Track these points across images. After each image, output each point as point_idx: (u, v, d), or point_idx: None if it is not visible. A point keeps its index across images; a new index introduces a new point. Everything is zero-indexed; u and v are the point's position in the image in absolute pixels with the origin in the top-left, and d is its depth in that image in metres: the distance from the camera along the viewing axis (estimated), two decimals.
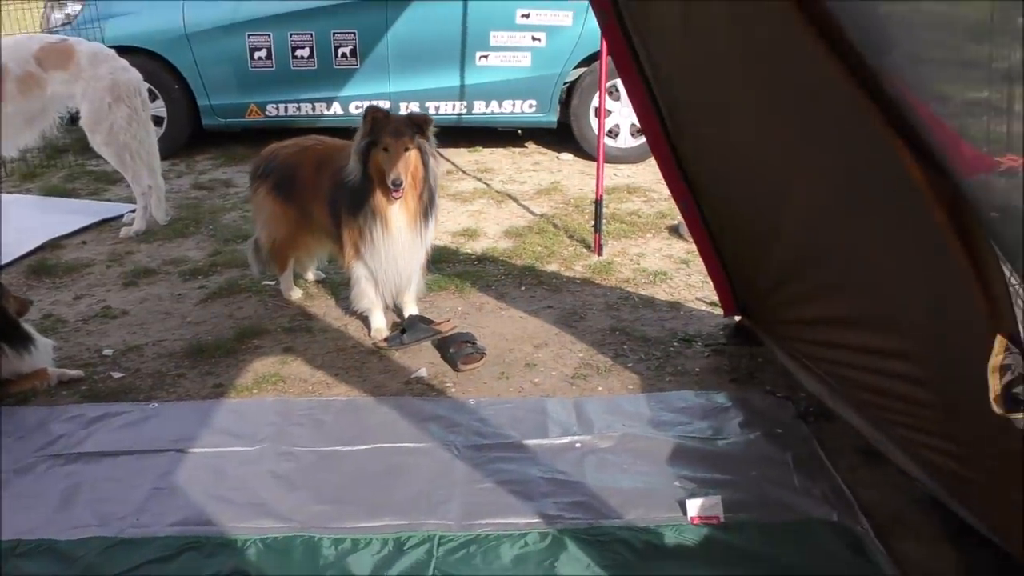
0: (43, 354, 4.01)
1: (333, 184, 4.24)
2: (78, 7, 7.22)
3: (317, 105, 7.30)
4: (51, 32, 7.21)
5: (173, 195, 6.53)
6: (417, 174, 4.03)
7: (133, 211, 5.96)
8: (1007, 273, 2.22)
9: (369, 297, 4.31)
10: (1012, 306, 2.24)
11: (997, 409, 2.19)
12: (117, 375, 4.03)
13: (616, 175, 6.79)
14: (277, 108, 7.33)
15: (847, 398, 3.36)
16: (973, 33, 2.09)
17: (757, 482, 3.15)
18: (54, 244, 5.68)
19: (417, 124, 3.99)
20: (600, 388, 3.85)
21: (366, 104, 7.17)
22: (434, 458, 3.36)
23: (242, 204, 6.37)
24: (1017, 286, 2.25)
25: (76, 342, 4.36)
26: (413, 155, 3.98)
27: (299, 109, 7.32)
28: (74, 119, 5.85)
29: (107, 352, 4.23)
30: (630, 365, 4.02)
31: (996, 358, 2.23)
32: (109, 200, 6.54)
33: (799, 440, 3.40)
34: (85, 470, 3.35)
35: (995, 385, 2.21)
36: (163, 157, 7.08)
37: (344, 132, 7.37)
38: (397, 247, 4.11)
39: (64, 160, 7.51)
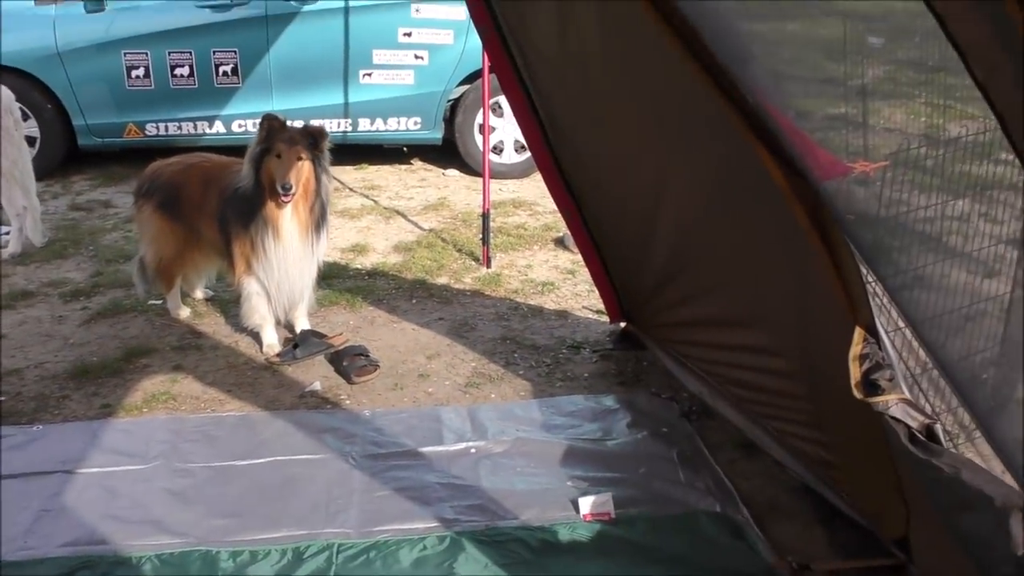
0: None
1: (221, 200, 4.23)
2: None
3: (199, 124, 7.21)
4: None
5: (49, 216, 6.35)
6: (309, 185, 4.06)
7: (7, 233, 5.77)
8: (864, 270, 2.43)
9: (260, 312, 4.31)
10: (868, 300, 2.46)
11: (858, 395, 2.39)
12: None
13: (502, 190, 6.94)
14: (157, 127, 7.20)
15: (725, 396, 3.56)
16: (829, 51, 2.29)
17: (645, 478, 3.30)
18: None
19: (312, 136, 4.03)
20: (493, 396, 3.95)
21: (249, 123, 7.21)
22: (331, 468, 3.40)
23: (123, 224, 6.25)
24: (872, 283, 2.47)
25: None
26: (306, 166, 4.02)
27: (180, 128, 7.21)
28: None
29: None
30: (521, 372, 4.14)
31: (856, 348, 2.43)
32: None
33: (683, 437, 3.58)
34: None
35: (856, 373, 2.42)
36: (38, 178, 6.84)
37: (227, 150, 7.34)
38: (289, 258, 4.12)
39: None
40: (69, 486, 3.29)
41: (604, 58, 3.19)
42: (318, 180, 4.09)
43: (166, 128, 7.21)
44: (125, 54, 6.99)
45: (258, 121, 7.02)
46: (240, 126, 7.22)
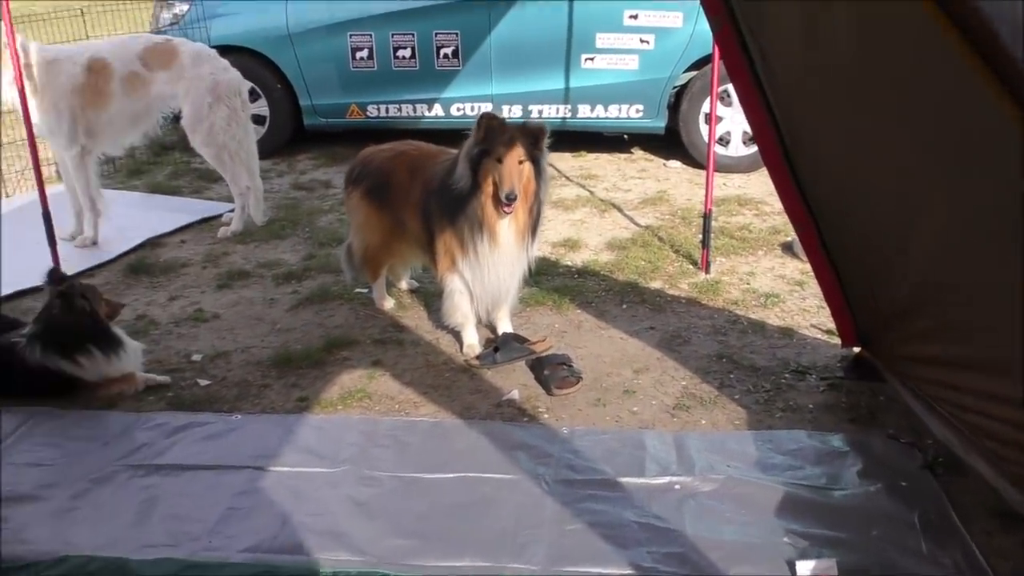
0: (132, 358, 3.96)
1: (426, 191, 4.07)
2: (185, 7, 7.25)
3: (418, 106, 7.17)
4: (160, 31, 7.27)
5: (272, 195, 6.49)
6: (529, 187, 3.82)
7: (232, 211, 5.93)
8: None
9: (462, 311, 4.12)
10: None
11: None
12: (203, 383, 3.94)
13: (726, 185, 6.46)
14: (378, 108, 7.23)
15: (980, 449, 3.02)
16: None
17: (878, 544, 2.82)
18: (154, 242, 5.68)
19: (532, 135, 3.77)
20: (703, 422, 3.57)
21: (468, 106, 7.10)
22: (522, 492, 3.15)
23: (340, 206, 6.28)
24: None
25: (166, 345, 4.30)
26: (527, 168, 3.77)
27: (400, 110, 7.21)
28: (177, 118, 5.83)
29: (196, 358, 4.16)
30: (736, 397, 3.73)
31: None
32: (210, 199, 6.54)
33: (927, 496, 3.05)
34: (163, 483, 3.26)
35: None
36: (264, 157, 7.10)
37: (445, 134, 7.28)
38: (500, 261, 3.91)
39: (170, 157, 7.58)
40: (258, 484, 3.22)
41: (862, 67, 2.71)
42: (537, 181, 3.83)
43: (386, 110, 7.23)
44: (351, 35, 7.04)
45: (477, 105, 7.02)
46: (459, 109, 7.11)
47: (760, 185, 6.40)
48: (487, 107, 7.04)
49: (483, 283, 3.97)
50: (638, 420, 3.60)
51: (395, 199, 4.27)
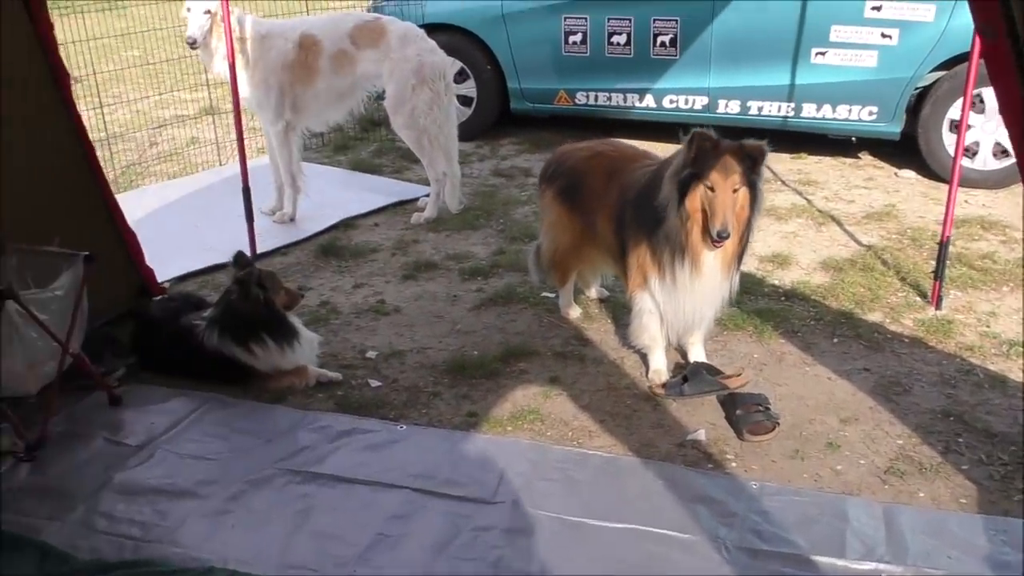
0: (306, 351, 3.86)
1: (622, 198, 3.72)
2: None
3: (629, 96, 6.79)
4: (378, 8, 7.25)
5: (470, 181, 6.32)
6: (742, 215, 3.38)
7: (427, 196, 5.80)
8: None
9: (650, 333, 3.76)
10: None
11: None
12: (374, 384, 3.80)
13: (968, 203, 5.71)
14: (587, 96, 6.90)
15: None
16: None
17: None
18: (348, 223, 5.64)
19: (750, 157, 3.33)
20: (921, 494, 3.06)
21: (682, 99, 6.66)
22: (697, 556, 2.78)
23: (536, 198, 6.04)
24: None
25: (344, 338, 4.19)
26: (742, 194, 3.34)
27: (610, 99, 6.85)
28: (380, 97, 5.75)
29: (370, 355, 4.02)
30: (965, 468, 3.18)
31: None
32: (409, 180, 6.45)
33: None
34: (318, 494, 3.12)
35: None
36: (469, 138, 6.99)
37: (655, 127, 6.90)
38: (701, 290, 3.51)
39: (377, 134, 7.59)
40: (412, 508, 3.02)
41: None
42: (752, 208, 3.39)
43: (596, 98, 6.89)
44: (565, 18, 6.74)
45: (692, 98, 6.57)
46: (672, 102, 6.68)
47: (1010, 206, 5.62)
48: (703, 100, 6.59)
49: (677, 309, 3.59)
50: (841, 482, 3.13)
51: (589, 202, 3.95)
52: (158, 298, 4.29)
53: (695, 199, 3.33)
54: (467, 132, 7.11)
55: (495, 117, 7.30)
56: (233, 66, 4.90)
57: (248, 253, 4.36)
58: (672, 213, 3.39)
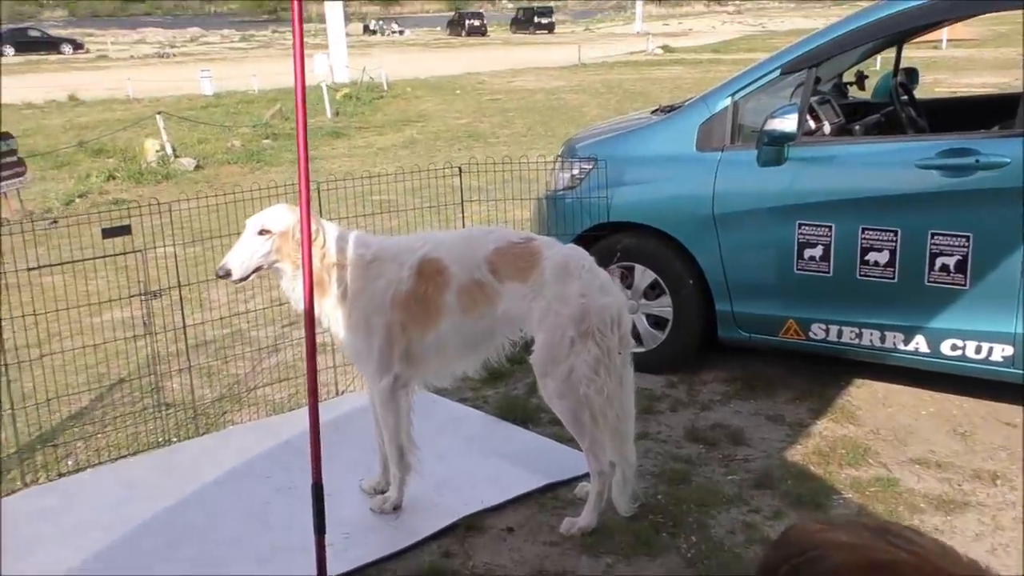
0: None
1: None
2: (588, 166, 5.59)
3: (889, 334, 4.80)
4: (555, 195, 5.71)
5: (655, 447, 4.51)
6: None
7: (589, 483, 4.01)
8: None
9: None
10: None
11: None
12: None
13: None
14: (826, 330, 4.96)
15: None
16: None
17: None
18: (472, 523, 3.92)
19: None
20: None
21: (972, 345, 4.58)
22: None
23: (753, 487, 4.13)
24: None
25: None
26: None
27: (859, 336, 4.88)
28: (527, 345, 4.06)
29: None
30: None
31: None
32: (567, 443, 4.58)
33: None
34: None
35: None
36: (661, 372, 5.22)
37: (927, 377, 4.87)
38: None
39: None
40: None
41: None
42: None
43: (839, 333, 4.93)
44: (800, 225, 4.90)
45: (987, 345, 4.51)
46: (955, 348, 4.63)
47: None
48: (1006, 350, 4.50)
49: None
50: None
51: None
52: None
53: None
54: (657, 363, 5.34)
55: (696, 346, 5.45)
56: (310, 296, 3.38)
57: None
58: None
